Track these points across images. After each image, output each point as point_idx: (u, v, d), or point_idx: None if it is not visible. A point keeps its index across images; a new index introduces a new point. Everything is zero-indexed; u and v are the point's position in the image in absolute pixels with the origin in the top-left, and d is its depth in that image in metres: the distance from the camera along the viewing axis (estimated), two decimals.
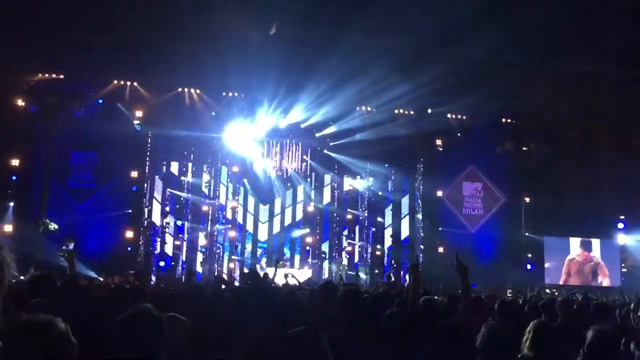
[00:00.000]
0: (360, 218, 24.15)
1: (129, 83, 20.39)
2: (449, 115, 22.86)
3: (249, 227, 23.54)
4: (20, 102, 19.42)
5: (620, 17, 17.18)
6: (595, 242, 24.31)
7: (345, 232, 24.05)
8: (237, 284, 14.15)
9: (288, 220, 24.05)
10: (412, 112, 22.34)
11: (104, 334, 3.34)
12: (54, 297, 4.84)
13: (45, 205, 19.76)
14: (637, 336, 4.06)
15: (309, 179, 23.80)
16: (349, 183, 24.19)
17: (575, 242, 24.22)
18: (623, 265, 24.19)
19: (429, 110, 22.36)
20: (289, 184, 23.82)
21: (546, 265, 23.79)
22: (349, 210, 24.15)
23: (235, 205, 23.12)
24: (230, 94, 21.14)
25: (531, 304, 7.28)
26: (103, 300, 6.27)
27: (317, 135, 22.53)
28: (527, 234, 23.62)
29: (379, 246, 23.71)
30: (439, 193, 23.37)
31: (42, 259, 15.59)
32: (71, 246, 6.48)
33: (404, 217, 23.78)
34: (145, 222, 20.71)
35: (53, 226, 18.58)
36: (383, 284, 15.67)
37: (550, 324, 4.08)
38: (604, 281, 23.60)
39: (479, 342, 3.52)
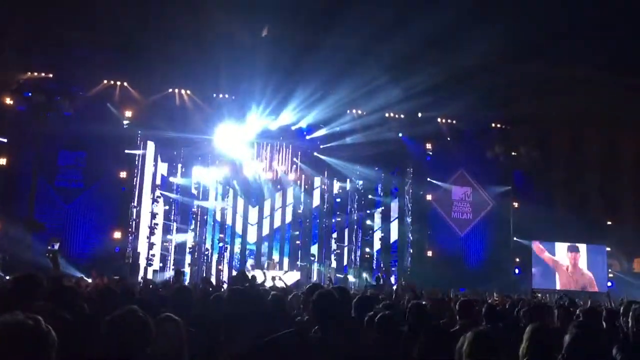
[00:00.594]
0: (350, 221, 24.15)
1: (119, 83, 20.29)
2: (439, 119, 22.95)
3: (238, 228, 23.50)
4: (8, 101, 19.26)
5: (611, 24, 17.34)
6: (582, 247, 24.44)
7: (335, 235, 24.03)
8: (224, 285, 14.11)
9: (277, 223, 24.04)
10: (402, 116, 22.41)
11: (92, 335, 3.32)
12: (41, 298, 4.80)
13: (33, 205, 19.62)
14: (620, 340, 4.09)
15: (298, 181, 23.80)
16: (338, 186, 24.21)
17: (562, 248, 24.29)
18: (610, 270, 24.34)
19: (420, 114, 22.44)
20: (278, 186, 23.81)
21: (534, 269, 23.89)
22: (338, 213, 24.16)
23: (224, 206, 23.07)
24: (221, 96, 21.09)
25: (518, 308, 7.31)
26: (92, 301, 6.22)
27: (308, 137, 22.53)
28: (515, 238, 23.72)
29: (368, 249, 23.71)
30: (429, 197, 23.44)
31: (28, 259, 15.53)
32: (56, 246, 6.43)
33: (394, 220, 23.80)
34: (134, 222, 20.59)
35: (40, 226, 18.47)
36: (371, 288, 15.65)
37: (547, 327, 4.09)
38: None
39: (466, 345, 3.52)
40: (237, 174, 23.01)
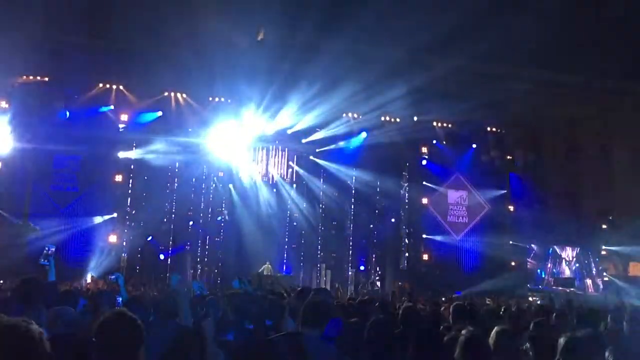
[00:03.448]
0: (346, 224, 24.10)
1: (114, 86, 20.27)
2: (434, 123, 22.99)
3: (235, 231, 23.40)
4: (4, 104, 19.23)
5: (606, 31, 17.44)
6: (578, 250, 24.54)
7: (331, 238, 23.95)
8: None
9: (274, 226, 23.95)
10: (398, 120, 22.44)
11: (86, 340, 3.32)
12: (40, 302, 4.80)
13: (28, 209, 19.55)
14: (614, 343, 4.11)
15: (294, 185, 23.74)
16: (334, 189, 24.16)
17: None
18: (605, 273, 24.39)
19: (415, 118, 22.47)
20: (274, 190, 23.74)
21: (529, 272, 23.95)
22: (334, 216, 24.10)
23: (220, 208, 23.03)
24: (217, 99, 21.07)
25: (511, 312, 7.33)
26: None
27: (304, 141, 22.49)
28: (511, 241, 23.72)
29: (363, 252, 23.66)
30: (424, 200, 23.43)
31: (24, 264, 15.46)
32: (52, 250, 6.41)
33: (389, 224, 23.78)
34: (129, 226, 20.55)
35: (34, 229, 18.41)
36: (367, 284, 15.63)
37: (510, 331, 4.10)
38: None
39: (458, 349, 3.54)
40: (233, 177, 22.95)
